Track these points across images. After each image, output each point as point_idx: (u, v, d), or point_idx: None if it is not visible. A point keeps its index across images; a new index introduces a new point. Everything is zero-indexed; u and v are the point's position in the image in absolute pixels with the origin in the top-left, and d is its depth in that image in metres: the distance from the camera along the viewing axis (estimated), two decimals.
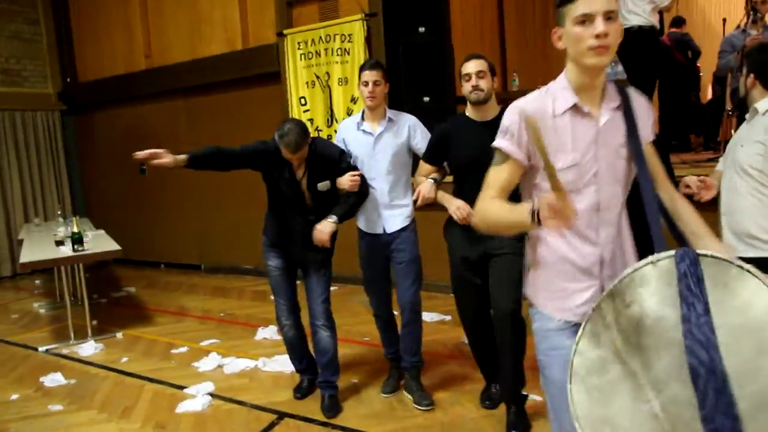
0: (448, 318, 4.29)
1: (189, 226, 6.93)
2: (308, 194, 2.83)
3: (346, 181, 2.81)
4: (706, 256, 1.24)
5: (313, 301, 2.96)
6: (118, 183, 7.48)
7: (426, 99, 4.85)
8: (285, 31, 5.51)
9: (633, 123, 1.47)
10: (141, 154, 2.55)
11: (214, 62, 6.17)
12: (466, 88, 2.55)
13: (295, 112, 5.50)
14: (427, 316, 4.40)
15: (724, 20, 5.78)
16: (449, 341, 3.83)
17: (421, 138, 2.90)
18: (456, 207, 2.56)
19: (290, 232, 2.91)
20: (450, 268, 2.77)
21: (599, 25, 1.35)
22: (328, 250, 2.91)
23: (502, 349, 2.57)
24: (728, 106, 4.62)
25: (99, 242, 4.72)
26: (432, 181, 2.69)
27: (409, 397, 3.00)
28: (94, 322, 4.56)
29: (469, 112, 2.62)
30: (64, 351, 4.17)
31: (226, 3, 6.12)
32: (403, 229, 2.94)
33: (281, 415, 2.92)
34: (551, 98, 1.49)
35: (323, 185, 2.82)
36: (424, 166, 2.77)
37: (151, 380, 3.53)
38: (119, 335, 4.49)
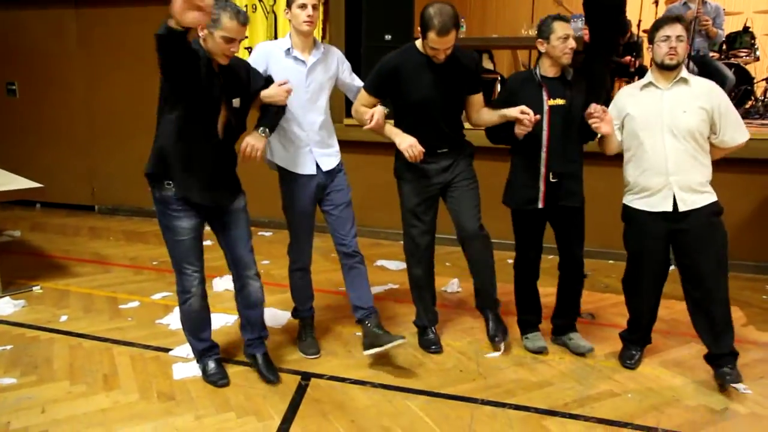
0: None
1: (77, 160, 5.96)
2: (224, 112, 2.40)
3: (280, 91, 2.49)
4: None
5: (240, 248, 2.56)
6: None
7: (388, 37, 4.60)
8: None
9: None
10: None
11: None
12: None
13: None
14: (391, 265, 4.36)
15: (656, 1, 6.23)
16: None
17: (348, 73, 2.82)
18: (408, 144, 2.56)
19: (203, 164, 2.37)
20: (404, 202, 2.82)
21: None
22: (237, 182, 2.60)
23: (477, 265, 2.83)
24: None
25: None
26: (385, 108, 2.63)
27: (371, 344, 2.73)
28: None
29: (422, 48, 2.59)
30: None
31: None
32: (338, 169, 2.79)
33: (306, 376, 2.70)
34: None
35: (236, 101, 2.43)
36: (366, 97, 2.69)
37: (116, 342, 3.04)
38: (37, 289, 3.78)
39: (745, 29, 5.37)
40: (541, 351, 2.92)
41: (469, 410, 2.44)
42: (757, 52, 5.41)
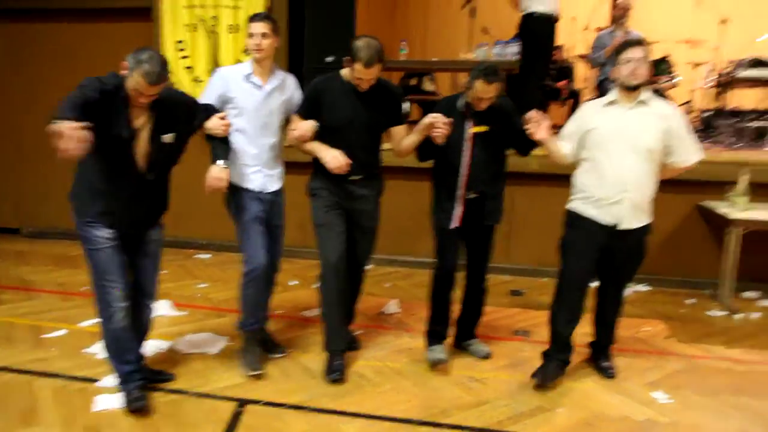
0: None
1: (2, 181, 5.66)
2: (150, 148, 2.42)
3: (218, 125, 2.66)
4: None
5: (147, 279, 2.65)
6: None
7: (329, 59, 4.63)
8: None
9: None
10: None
11: None
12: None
13: (171, 56, 4.80)
14: None
15: (586, 28, 6.57)
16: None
17: (299, 98, 2.94)
18: (332, 156, 2.69)
19: (121, 196, 2.45)
20: (316, 217, 2.87)
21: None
22: (161, 214, 2.64)
23: (353, 293, 3.08)
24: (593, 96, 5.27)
25: None
26: (315, 123, 2.77)
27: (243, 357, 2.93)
28: None
29: (347, 76, 2.73)
30: None
31: None
32: (281, 191, 2.97)
33: (241, 402, 2.64)
34: None
35: (169, 137, 2.46)
36: (299, 121, 2.83)
37: (38, 374, 2.88)
38: None
39: (663, 58, 5.72)
40: (438, 362, 2.99)
41: None
42: (675, 79, 5.78)
